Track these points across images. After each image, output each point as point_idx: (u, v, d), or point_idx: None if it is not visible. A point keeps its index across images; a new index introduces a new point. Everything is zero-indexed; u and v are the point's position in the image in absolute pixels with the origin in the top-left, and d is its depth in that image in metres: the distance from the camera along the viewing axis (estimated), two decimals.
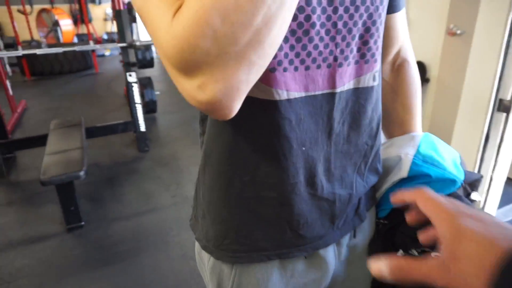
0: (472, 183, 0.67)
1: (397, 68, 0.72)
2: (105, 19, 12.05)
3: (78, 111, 4.50)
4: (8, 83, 4.17)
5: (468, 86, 1.72)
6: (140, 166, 3.00)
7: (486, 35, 1.58)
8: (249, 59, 0.33)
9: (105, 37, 11.72)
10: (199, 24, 0.30)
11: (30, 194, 2.57)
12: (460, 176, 0.63)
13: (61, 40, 8.24)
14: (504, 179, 1.80)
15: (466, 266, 0.29)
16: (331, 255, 0.63)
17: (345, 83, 0.53)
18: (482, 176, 0.71)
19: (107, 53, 9.61)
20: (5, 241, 2.06)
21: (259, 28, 0.32)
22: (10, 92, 4.18)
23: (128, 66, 3.09)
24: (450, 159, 0.65)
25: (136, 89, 3.12)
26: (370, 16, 0.51)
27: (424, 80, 3.35)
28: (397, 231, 0.66)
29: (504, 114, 1.62)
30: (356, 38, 0.51)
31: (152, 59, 4.45)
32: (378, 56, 0.56)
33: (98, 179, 2.76)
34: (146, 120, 3.24)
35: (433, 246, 0.57)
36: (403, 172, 0.64)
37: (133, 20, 5.91)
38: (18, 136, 3.64)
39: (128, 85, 3.10)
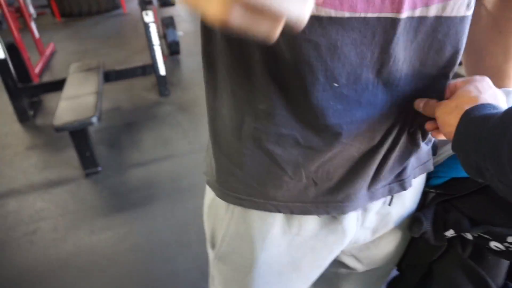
0: None
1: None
2: None
3: (104, 53, 4.43)
4: (33, 25, 4.14)
5: None
6: (159, 111, 2.93)
7: None
8: None
9: None
10: None
11: (53, 138, 2.60)
12: None
13: None
14: None
15: (453, 111, 0.40)
16: (352, 220, 0.51)
17: (418, 7, 0.36)
18: None
19: None
20: (26, 184, 2.12)
21: None
22: (36, 35, 4.16)
23: (143, 4, 2.90)
24: None
25: (154, 30, 2.95)
26: None
27: None
28: (452, 206, 0.53)
29: None
30: None
31: None
32: None
33: (117, 124, 2.73)
34: (169, 62, 3.10)
35: (500, 235, 0.44)
36: None
37: None
38: (47, 79, 3.67)
39: (145, 26, 2.93)
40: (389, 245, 0.58)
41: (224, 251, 0.54)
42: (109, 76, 2.96)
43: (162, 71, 3.08)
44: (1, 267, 1.61)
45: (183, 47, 4.10)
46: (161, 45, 3.08)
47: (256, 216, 0.50)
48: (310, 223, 0.50)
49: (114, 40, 5.21)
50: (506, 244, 0.46)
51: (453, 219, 0.52)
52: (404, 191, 0.52)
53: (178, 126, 2.67)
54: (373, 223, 0.54)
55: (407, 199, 0.55)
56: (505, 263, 0.54)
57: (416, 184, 0.54)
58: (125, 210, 1.89)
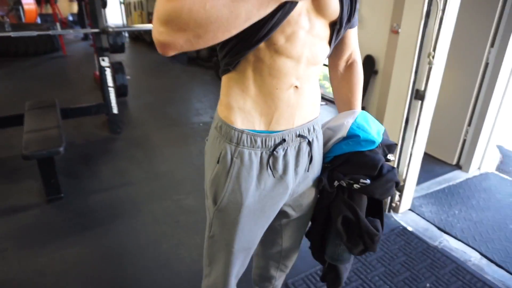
0: (389, 147, 1.01)
1: (349, 65, 1.03)
2: (71, 0, 11.71)
3: (49, 93, 4.56)
4: None
5: (395, 78, 2.09)
6: (113, 146, 3.22)
7: (407, 35, 1.94)
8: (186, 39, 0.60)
9: (70, 18, 11.40)
10: (174, 14, 0.58)
11: (9, 170, 2.74)
12: (378, 140, 0.97)
13: (23, 20, 8.03)
14: (421, 154, 2.21)
15: None
16: (291, 179, 0.93)
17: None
18: (396, 144, 1.06)
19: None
20: None
21: (195, 32, 0.59)
22: None
23: (101, 51, 3.26)
24: (376, 129, 0.98)
25: (109, 73, 3.31)
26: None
27: (373, 72, 3.77)
28: (335, 170, 1.01)
29: (420, 102, 2.01)
30: None
31: (123, 44, 4.57)
32: None
33: (74, 157, 2.95)
34: (117, 103, 3.43)
35: (356, 179, 0.92)
36: (343, 133, 0.97)
37: (104, 5, 5.93)
38: None
39: (101, 69, 3.28)
40: (309, 196, 1.03)
41: (223, 203, 0.91)
42: (65, 114, 3.19)
43: (115, 110, 3.40)
44: None
45: (129, 89, 4.45)
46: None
47: (242, 178, 0.87)
48: (269, 181, 0.90)
49: (56, 81, 5.35)
50: (360, 184, 0.97)
51: (336, 175, 1.01)
52: (312, 164, 0.99)
53: (133, 158, 2.99)
54: (301, 182, 0.98)
55: (315, 169, 1.01)
56: (364, 198, 1.04)
57: (318, 160, 1.01)
58: (89, 228, 2.14)
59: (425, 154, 2.81)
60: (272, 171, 0.88)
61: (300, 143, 0.90)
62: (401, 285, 1.73)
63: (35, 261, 1.86)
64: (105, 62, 3.27)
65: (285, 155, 0.88)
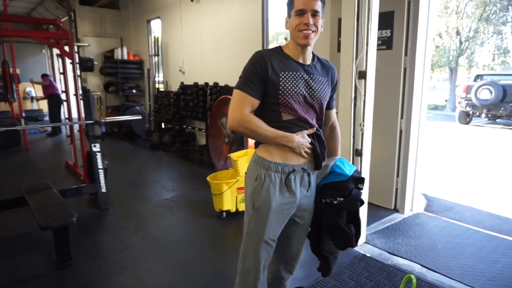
0: (359, 179, 1.65)
1: (331, 129, 1.76)
2: (24, 98, 12.05)
3: (25, 182, 4.76)
4: None
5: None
6: (106, 220, 3.55)
7: (344, 112, 2.80)
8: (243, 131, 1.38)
9: (24, 114, 11.61)
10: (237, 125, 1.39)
11: (14, 247, 2.95)
12: (349, 174, 1.62)
13: None
14: (366, 198, 2.94)
15: None
16: (298, 194, 1.55)
17: None
18: (364, 178, 1.71)
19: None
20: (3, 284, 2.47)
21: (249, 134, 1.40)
22: None
23: (93, 138, 3.77)
24: (349, 168, 1.65)
25: (99, 157, 3.77)
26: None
27: None
28: (323, 193, 1.64)
29: (359, 157, 2.81)
30: None
31: (103, 133, 5.09)
32: None
33: (73, 230, 3.20)
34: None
35: (335, 197, 1.58)
36: (328, 170, 1.64)
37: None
38: None
39: (93, 154, 3.75)
40: (309, 210, 1.63)
41: (258, 206, 1.49)
42: (61, 194, 3.50)
43: (104, 189, 3.79)
44: None
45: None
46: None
47: (270, 190, 1.49)
48: (286, 193, 1.52)
49: (27, 171, 5.55)
50: (337, 200, 1.60)
51: (323, 195, 1.63)
52: (311, 188, 1.62)
53: (127, 228, 3.34)
54: (303, 198, 1.58)
55: (312, 191, 1.63)
56: (344, 211, 1.67)
57: (313, 186, 1.63)
58: (106, 284, 2.44)
59: (371, 203, 3.61)
60: (287, 187, 1.52)
61: (303, 173, 1.56)
62: None
63: None
64: (96, 148, 3.76)
65: (295, 179, 1.54)
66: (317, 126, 1.57)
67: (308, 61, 1.54)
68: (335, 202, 1.60)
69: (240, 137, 4.61)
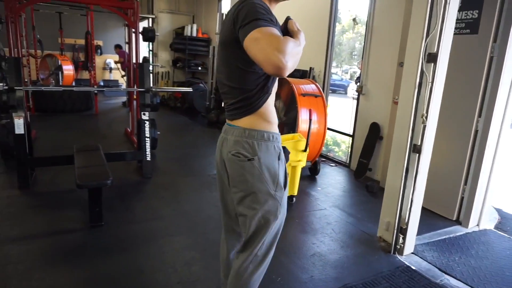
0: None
1: None
2: (104, 68, 13.02)
3: (88, 141, 5.07)
4: None
5: (396, 135, 2.52)
6: (145, 188, 3.59)
7: (405, 100, 2.40)
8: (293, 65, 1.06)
9: (101, 83, 12.57)
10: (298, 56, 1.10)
11: (52, 201, 3.10)
12: None
13: (61, 83, 8.99)
14: (421, 200, 2.53)
15: None
16: None
17: None
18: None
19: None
20: (33, 233, 2.57)
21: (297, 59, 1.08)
22: None
23: (143, 106, 3.81)
24: None
25: (147, 125, 3.81)
26: None
27: (379, 137, 4.22)
28: None
29: (417, 155, 2.39)
30: None
31: (158, 104, 5.19)
32: None
33: (111, 194, 3.30)
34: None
35: None
36: None
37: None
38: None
39: (141, 122, 3.79)
40: None
41: (279, 184, 1.31)
42: (107, 157, 3.61)
43: (149, 157, 3.83)
44: None
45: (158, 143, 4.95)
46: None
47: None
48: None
49: (89, 133, 5.93)
50: None
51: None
52: None
53: (162, 199, 3.33)
54: None
55: None
56: None
57: None
58: (127, 251, 2.41)
59: (428, 210, 3.15)
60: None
61: None
62: None
63: (82, 273, 2.13)
64: (145, 116, 3.79)
65: None
66: None
67: None
68: None
69: (292, 120, 4.35)
